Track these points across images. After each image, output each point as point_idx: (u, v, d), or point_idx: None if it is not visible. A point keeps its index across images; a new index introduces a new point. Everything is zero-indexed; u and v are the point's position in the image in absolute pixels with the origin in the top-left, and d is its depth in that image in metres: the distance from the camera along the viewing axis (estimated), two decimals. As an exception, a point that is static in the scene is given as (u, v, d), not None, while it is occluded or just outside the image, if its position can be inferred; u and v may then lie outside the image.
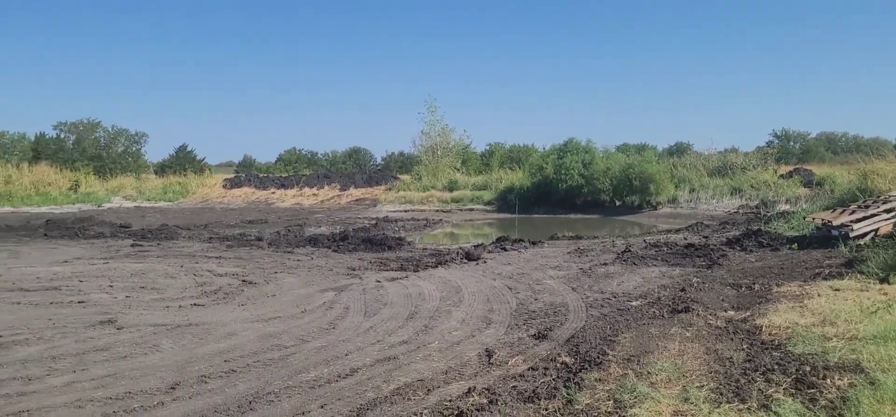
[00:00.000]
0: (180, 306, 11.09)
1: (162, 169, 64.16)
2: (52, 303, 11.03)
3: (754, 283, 10.88)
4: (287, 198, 43.91)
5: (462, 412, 5.45)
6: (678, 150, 65.47)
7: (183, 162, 63.59)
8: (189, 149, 68.53)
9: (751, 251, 14.91)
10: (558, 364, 6.88)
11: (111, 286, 12.88)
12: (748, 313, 8.60)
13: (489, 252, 17.08)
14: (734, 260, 13.69)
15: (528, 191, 36.63)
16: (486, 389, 6.15)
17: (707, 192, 33.25)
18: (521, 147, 61.95)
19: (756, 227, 18.42)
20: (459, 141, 55.36)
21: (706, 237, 18.83)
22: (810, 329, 7.22)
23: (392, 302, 11.01)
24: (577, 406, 5.36)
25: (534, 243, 19.10)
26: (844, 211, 15.60)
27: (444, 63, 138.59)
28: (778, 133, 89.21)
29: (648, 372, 6.02)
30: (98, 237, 23.38)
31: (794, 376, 5.52)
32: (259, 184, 47.59)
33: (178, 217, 33.47)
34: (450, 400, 5.99)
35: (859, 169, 21.16)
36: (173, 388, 6.63)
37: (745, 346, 6.83)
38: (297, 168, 75.71)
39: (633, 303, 10.06)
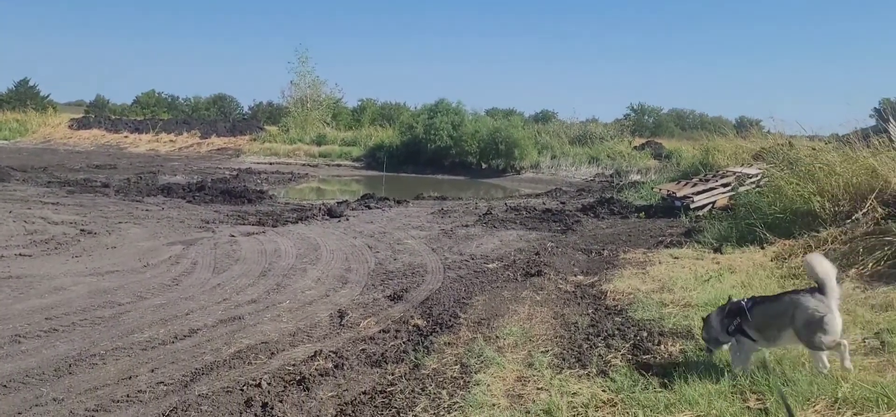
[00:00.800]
0: (2, 256, 10.01)
1: (-1, 104, 58.21)
2: None
3: (603, 249, 11.29)
4: (141, 144, 41.15)
5: (304, 377, 5.20)
6: (543, 117, 67.34)
7: (23, 97, 57.90)
8: (31, 84, 62.66)
9: (603, 217, 15.52)
10: (410, 327, 6.77)
11: (-80, 231, 11.45)
12: (596, 278, 8.87)
13: (353, 209, 16.76)
14: (587, 226, 14.19)
15: (398, 150, 36.40)
16: (334, 352, 5.93)
17: (567, 160, 34.45)
18: (393, 104, 61.43)
19: (609, 195, 19.24)
20: (331, 95, 54.02)
21: (563, 203, 19.44)
22: (650, 295, 7.53)
23: (244, 258, 10.50)
24: (422, 371, 5.25)
25: (399, 202, 18.96)
26: (687, 183, 16.60)
27: (317, 13, 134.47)
28: (635, 106, 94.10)
29: (497, 336, 6.02)
30: (-89, 175, 20.86)
31: (632, 341, 5.70)
32: (110, 127, 44.24)
33: (13, 157, 30.48)
34: (293, 364, 5.72)
35: (702, 144, 22.62)
36: (-22, 349, 5.91)
37: (590, 311, 7.00)
38: (155, 111, 71.00)
39: (490, 266, 10.15)
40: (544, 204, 19.27)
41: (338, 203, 17.65)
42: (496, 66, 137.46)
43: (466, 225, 14.33)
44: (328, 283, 9.07)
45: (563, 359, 5.34)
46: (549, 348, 5.65)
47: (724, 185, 15.33)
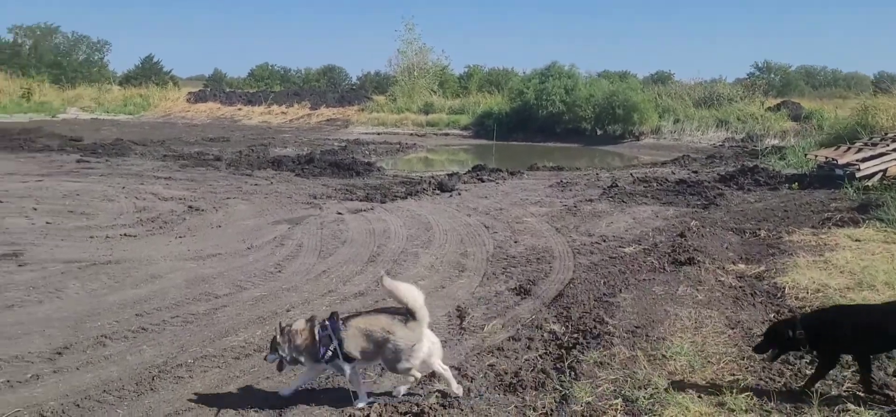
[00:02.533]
0: (107, 236, 9.61)
1: (126, 80, 61.08)
2: (-48, 230, 9.49)
3: (759, 228, 9.67)
4: (254, 116, 41.82)
5: (423, 412, 4.11)
6: (659, 79, 63.71)
7: (148, 74, 60.48)
8: (156, 60, 65.38)
9: (748, 189, 13.69)
10: (545, 334, 5.58)
11: (35, 209, 11.31)
12: (762, 267, 7.38)
13: (465, 182, 15.68)
14: (732, 200, 12.47)
15: (507, 117, 35.03)
16: (456, 369, 4.84)
17: (692, 124, 31.91)
18: (500, 70, 59.71)
19: (751, 163, 17.16)
20: (437, 62, 53.08)
21: (696, 172, 17.60)
22: (846, 294, 6.00)
23: (352, 240, 9.64)
24: (574, 407, 4.06)
25: (512, 173, 17.72)
26: (849, 148, 14.43)
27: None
28: (759, 64, 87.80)
29: (663, 356, 4.75)
30: (43, 150, 21.56)
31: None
32: (225, 100, 45.28)
33: (136, 131, 31.45)
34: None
35: (858, 104, 19.93)
36: (59, 354, 5.23)
37: (772, 317, 5.58)
38: (268, 84, 72.71)
39: (627, 250, 8.80)
40: (674, 173, 17.50)
41: (448, 175, 16.61)
42: (606, 26, 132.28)
43: (591, 200, 12.93)
44: (443, 271, 8.02)
45: (767, 398, 3.99)
46: (740, 376, 4.33)
47: (897, 151, 13.13)
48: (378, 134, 34.77)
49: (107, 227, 10.29)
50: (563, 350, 5.07)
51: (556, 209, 12.08)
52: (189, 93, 47.59)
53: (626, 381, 4.35)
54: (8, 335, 5.55)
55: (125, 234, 9.82)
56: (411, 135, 34.84)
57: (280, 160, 20.34)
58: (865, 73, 71.70)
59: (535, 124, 34.11)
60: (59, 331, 5.70)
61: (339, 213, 11.82)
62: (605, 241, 9.38)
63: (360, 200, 13.49)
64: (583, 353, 4.91)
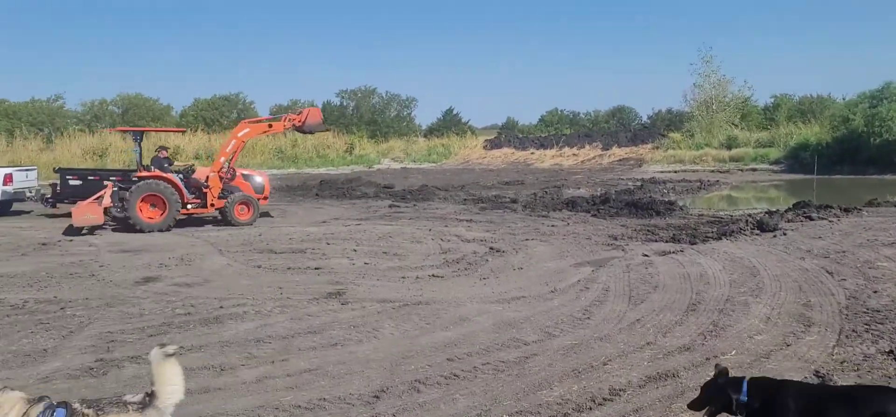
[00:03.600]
0: (417, 277, 9.84)
1: (429, 132, 66.51)
2: (289, 269, 10.43)
3: None
4: (546, 159, 42.41)
5: None
6: None
7: (449, 125, 65.24)
8: (455, 112, 70.29)
9: None
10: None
11: (354, 250, 12.15)
12: None
13: (788, 220, 13.72)
14: None
15: (827, 148, 30.88)
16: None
17: None
18: (814, 97, 53.50)
19: None
20: (738, 93, 49.22)
21: None
22: None
23: (664, 285, 8.68)
24: None
25: (847, 210, 15.17)
26: None
27: (718, 8, 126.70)
28: None
29: None
30: (361, 197, 23.81)
31: None
32: (518, 145, 46.72)
33: (439, 177, 33.59)
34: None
35: None
36: (376, 398, 5.12)
37: None
38: (558, 128, 73.86)
39: None
40: None
41: (767, 213, 14.71)
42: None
43: (966, 241, 10.36)
44: (783, 324, 6.72)
45: None
46: None
47: None
48: (675, 172, 32.94)
49: (416, 268, 10.60)
50: None
51: (923, 252, 9.83)
52: (485, 140, 50.04)
53: None
54: (332, 374, 5.64)
55: (433, 275, 9.99)
56: (712, 171, 32.43)
57: (574, 201, 19.97)
58: None
59: (865, 155, 29.62)
60: (376, 373, 5.66)
61: (645, 255, 10.91)
62: None
63: (666, 241, 12.41)
64: None
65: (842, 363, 5.50)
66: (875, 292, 7.70)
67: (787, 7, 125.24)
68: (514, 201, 21.09)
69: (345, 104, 72.46)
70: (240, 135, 17.16)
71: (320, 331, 6.90)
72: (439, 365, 5.83)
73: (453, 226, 15.61)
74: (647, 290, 8.48)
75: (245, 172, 17.95)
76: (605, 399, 4.93)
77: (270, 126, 17.87)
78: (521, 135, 53.05)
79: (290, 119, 17.48)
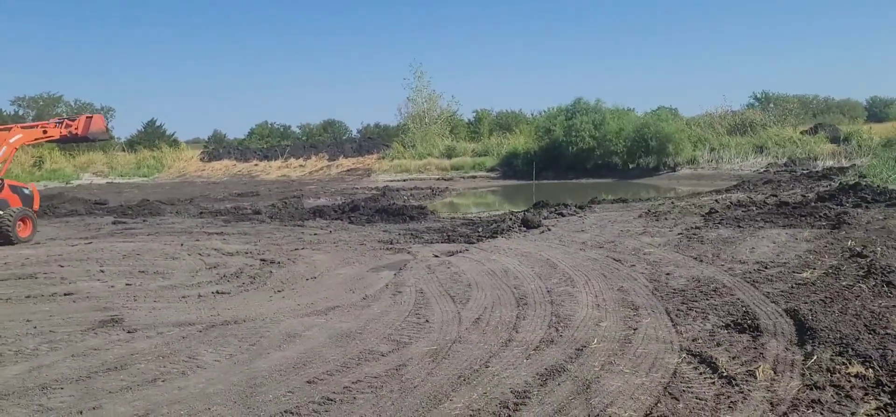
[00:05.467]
0: (199, 295, 8.48)
1: (131, 145, 60.22)
2: (29, 297, 8.31)
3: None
4: (272, 170, 40.83)
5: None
6: (652, 115, 63.05)
7: (152, 137, 59.60)
8: (158, 123, 64.64)
9: (865, 207, 12.66)
10: (848, 379, 4.44)
11: (102, 271, 10.18)
12: None
13: (545, 218, 14.60)
14: (860, 219, 11.40)
15: (535, 156, 34.10)
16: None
17: (729, 151, 31.08)
18: (509, 112, 59.24)
19: (852, 181, 16.15)
20: (448, 108, 52.48)
21: (775, 195, 16.58)
22: None
23: (477, 283, 8.51)
24: None
25: (581, 208, 16.69)
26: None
27: (419, 32, 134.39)
28: (758, 95, 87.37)
29: None
30: (72, 215, 20.47)
31: None
32: (240, 156, 44.35)
33: (158, 192, 30.37)
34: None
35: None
36: (252, 439, 4.07)
37: None
38: (269, 142, 72.01)
39: (804, 275, 7.71)
40: (753, 197, 16.46)
41: (527, 211, 15.54)
42: (603, 67, 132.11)
43: (698, 228, 11.88)
44: (614, 310, 6.89)
45: None
46: None
47: None
48: (404, 180, 33.80)
49: (191, 286, 9.16)
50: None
51: (672, 238, 11.00)
52: (202, 152, 46.72)
53: None
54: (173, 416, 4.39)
55: (218, 292, 8.70)
56: (438, 179, 33.87)
57: (321, 210, 19.29)
58: (857, 100, 72.30)
59: (565, 162, 33.24)
60: (229, 410, 4.54)
61: (436, 256, 10.74)
62: (766, 268, 8.28)
63: (443, 242, 12.42)
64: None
65: (693, 340, 5.70)
66: (668, 275, 8.33)
67: (485, 30, 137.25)
68: (257, 213, 19.73)
69: (22, 113, 62.71)
70: (11, 140, 13.75)
71: (122, 366, 5.45)
72: (303, 391, 4.88)
73: (205, 240, 14.00)
74: (463, 289, 8.23)
75: (12, 184, 14.45)
76: (517, 404, 4.47)
77: (45, 132, 14.67)
78: (241, 147, 50.51)
79: (67, 125, 14.59)
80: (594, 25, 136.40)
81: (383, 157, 39.83)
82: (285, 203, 23.25)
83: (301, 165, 41.13)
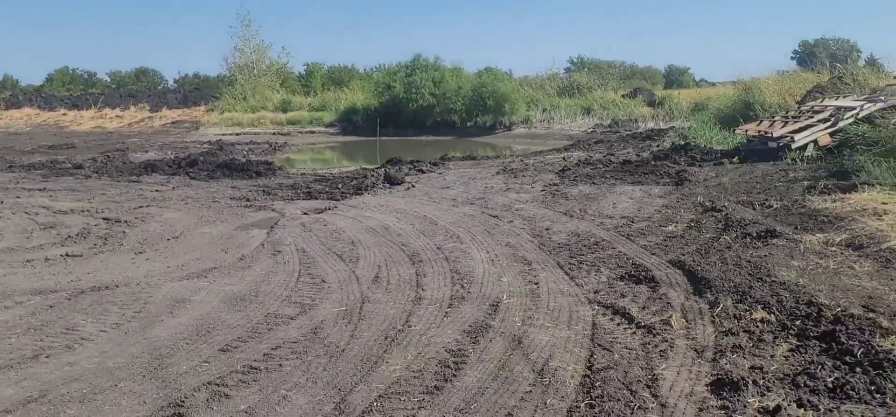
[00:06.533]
0: (47, 259, 7.54)
1: None
2: None
3: (766, 200, 9.58)
4: (84, 120, 37.06)
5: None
6: (490, 74, 65.04)
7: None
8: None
9: (699, 165, 13.84)
10: (759, 324, 4.82)
11: (-89, 233, 8.72)
12: (845, 235, 7.14)
13: (406, 174, 14.51)
14: (698, 176, 12.45)
15: (375, 112, 33.84)
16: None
17: (559, 112, 32.73)
18: (341, 67, 58.16)
19: (681, 142, 17.55)
20: (278, 60, 50.43)
21: (611, 155, 17.71)
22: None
23: (361, 241, 8.28)
24: None
25: (435, 164, 16.80)
26: (772, 122, 15.14)
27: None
28: (574, 60, 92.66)
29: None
30: None
31: None
32: (44, 104, 39.83)
33: (-54, 142, 26.58)
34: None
35: (741, 85, 21.34)
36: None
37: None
38: (72, 90, 65.18)
39: (669, 228, 8.30)
40: (593, 156, 17.45)
41: (387, 168, 15.32)
42: (425, 25, 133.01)
43: (556, 184, 12.39)
44: (508, 264, 7.00)
45: None
46: None
47: (823, 121, 13.88)
48: (237, 135, 32.15)
49: (33, 249, 8.14)
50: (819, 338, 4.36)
51: (537, 195, 11.38)
52: (-2, 98, 41.41)
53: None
54: (79, 399, 3.84)
55: (68, 255, 7.78)
56: (274, 134, 32.58)
57: (153, 164, 17.88)
58: (657, 68, 79.54)
59: (405, 119, 33.31)
60: (141, 386, 4.05)
61: (306, 213, 10.33)
62: (633, 223, 8.80)
63: (307, 199, 12.01)
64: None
65: (595, 292, 5.93)
66: (547, 230, 8.59)
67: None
68: (79, 167, 17.89)
69: None
70: None
71: (-11, 344, 4.68)
72: (220, 360, 4.48)
73: (28, 197, 12.51)
74: (348, 247, 7.98)
75: None
76: (457, 363, 4.39)
77: None
78: (44, 94, 45.30)
79: None
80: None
81: (212, 110, 37.58)
82: (108, 157, 21.26)
83: (118, 116, 37.75)
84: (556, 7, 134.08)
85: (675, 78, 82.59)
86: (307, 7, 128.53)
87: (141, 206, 11.47)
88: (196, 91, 43.69)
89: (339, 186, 13.25)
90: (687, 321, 4.95)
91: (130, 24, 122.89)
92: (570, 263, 6.94)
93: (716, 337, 4.61)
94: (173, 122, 36.35)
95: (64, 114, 38.08)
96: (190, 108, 38.07)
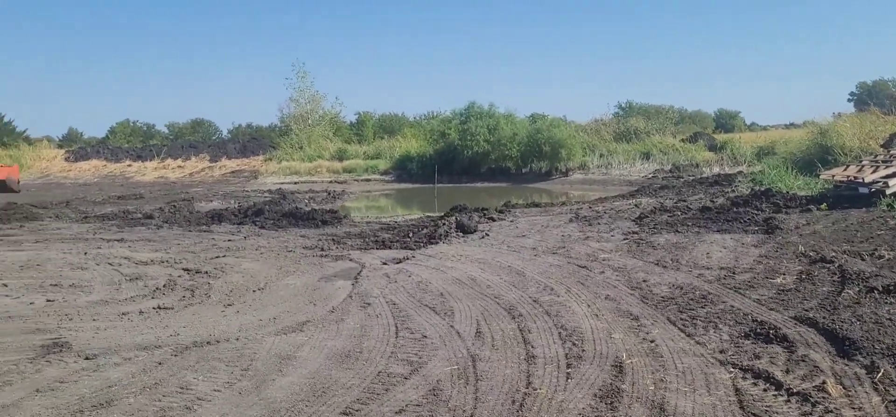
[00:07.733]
0: (141, 312, 7.47)
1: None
2: (-71, 320, 6.96)
3: (875, 251, 9.04)
4: (147, 171, 38.05)
5: None
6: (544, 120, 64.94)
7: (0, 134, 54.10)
8: (6, 119, 58.72)
9: (785, 212, 13.31)
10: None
11: (5, 285, 8.81)
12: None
13: (477, 222, 14.28)
14: (787, 224, 11.91)
15: (430, 159, 33.92)
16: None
17: (616, 158, 32.31)
18: (391, 115, 58.85)
19: (761, 188, 16.98)
20: (331, 109, 51.27)
21: (683, 201, 17.22)
22: None
23: (450, 293, 8.04)
24: None
25: (501, 212, 16.55)
26: (860, 167, 14.53)
27: (297, 30, 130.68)
28: (622, 104, 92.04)
29: None
30: (-76, 219, 17.90)
31: None
32: (111, 156, 41.02)
33: (22, 194, 27.37)
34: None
35: (814, 129, 20.66)
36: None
37: None
38: (132, 142, 67.15)
39: (778, 281, 7.85)
40: (665, 203, 17.00)
41: (458, 215, 15.09)
42: (461, 73, 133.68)
43: (637, 233, 12.00)
44: (613, 319, 6.65)
45: None
46: None
47: (918, 167, 13.25)
48: (295, 183, 32.54)
49: (123, 301, 8.11)
50: None
51: (619, 244, 11.01)
52: (67, 151, 42.80)
53: None
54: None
55: (159, 307, 7.71)
56: (332, 182, 32.89)
57: (219, 214, 18.03)
58: (707, 111, 78.46)
59: (459, 165, 33.31)
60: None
61: (385, 263, 10.16)
62: (735, 274, 8.37)
63: (379, 248, 11.88)
64: None
65: (722, 352, 5.55)
66: (644, 282, 8.23)
67: (362, 31, 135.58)
68: (149, 217, 18.15)
69: None
70: None
71: (109, 403, 4.59)
72: (345, 425, 4.24)
73: (108, 248, 12.62)
74: (438, 300, 7.74)
75: None
76: (600, 430, 4.07)
77: None
78: (111, 146, 46.76)
79: None
80: (468, 32, 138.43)
81: (270, 159, 38.21)
82: (175, 206, 21.60)
83: (180, 166, 38.66)
84: (599, 52, 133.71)
85: (725, 121, 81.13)
86: (355, 58, 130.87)
87: (217, 256, 11.47)
88: (253, 140, 44.49)
89: (411, 235, 13.09)
90: (845, 388, 4.53)
91: (184, 77, 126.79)
92: (681, 319, 6.57)
93: (886, 407, 4.19)
94: (233, 172, 37.03)
95: (129, 165, 39.17)
96: (248, 158, 38.77)
